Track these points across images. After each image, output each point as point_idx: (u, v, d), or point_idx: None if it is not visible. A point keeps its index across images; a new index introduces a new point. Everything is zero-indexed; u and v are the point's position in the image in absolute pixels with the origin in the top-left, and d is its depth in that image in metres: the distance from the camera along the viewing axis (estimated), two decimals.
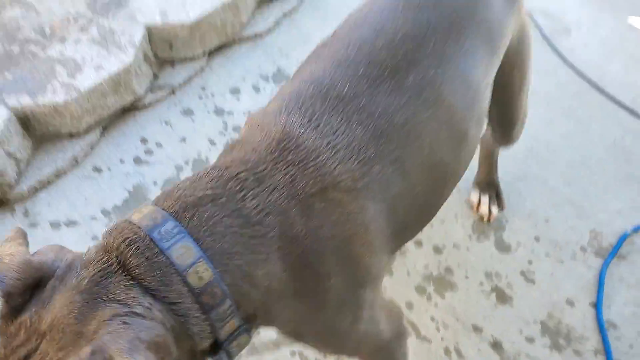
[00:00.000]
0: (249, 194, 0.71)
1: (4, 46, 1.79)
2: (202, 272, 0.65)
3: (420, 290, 1.50)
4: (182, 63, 2.01)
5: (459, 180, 1.00)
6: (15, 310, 0.61)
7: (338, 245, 0.76)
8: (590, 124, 1.94)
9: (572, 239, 1.63)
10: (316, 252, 0.74)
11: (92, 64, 1.74)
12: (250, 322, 0.74)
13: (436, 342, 1.41)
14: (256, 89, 1.99)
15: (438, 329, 1.43)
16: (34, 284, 0.62)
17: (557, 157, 1.83)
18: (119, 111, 1.85)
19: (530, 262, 1.57)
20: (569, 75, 2.10)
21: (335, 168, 0.76)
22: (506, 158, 1.79)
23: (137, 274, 0.63)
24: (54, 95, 1.65)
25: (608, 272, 1.56)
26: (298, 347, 1.37)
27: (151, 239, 0.65)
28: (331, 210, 0.75)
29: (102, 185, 1.70)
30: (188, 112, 1.91)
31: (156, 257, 0.64)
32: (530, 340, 1.43)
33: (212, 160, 1.77)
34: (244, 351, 1.33)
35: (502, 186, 1.71)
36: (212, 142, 1.83)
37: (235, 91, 1.98)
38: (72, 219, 1.61)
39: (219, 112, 1.92)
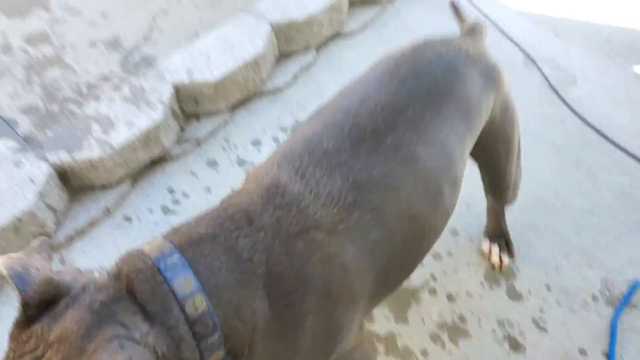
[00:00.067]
0: (241, 234, 0.81)
1: (46, 105, 1.94)
2: (198, 303, 0.73)
3: (435, 338, 1.56)
4: (207, 117, 2.14)
5: (438, 235, 1.07)
6: (30, 320, 0.68)
7: (318, 285, 0.83)
8: (598, 172, 2.01)
9: (583, 287, 1.68)
10: (298, 291, 0.82)
11: (125, 120, 1.88)
12: (234, 356, 0.81)
13: None
14: (276, 140, 2.11)
15: None
16: (50, 299, 0.70)
17: (567, 205, 1.89)
18: (148, 163, 1.97)
19: (542, 311, 1.62)
20: (577, 124, 2.18)
21: (317, 212, 0.85)
22: (516, 207, 1.86)
23: (142, 300, 0.71)
24: (89, 151, 1.78)
25: (620, 321, 1.60)
26: None
27: (157, 269, 0.74)
28: (312, 250, 0.83)
29: (132, 234, 1.81)
30: (212, 163, 2.03)
31: (160, 285, 0.73)
32: None
33: None
34: None
35: (513, 235, 1.77)
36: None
37: (257, 142, 2.10)
38: (105, 267, 1.71)
39: (241, 162, 2.03)
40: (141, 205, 1.90)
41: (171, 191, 1.94)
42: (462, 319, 1.60)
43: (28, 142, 1.83)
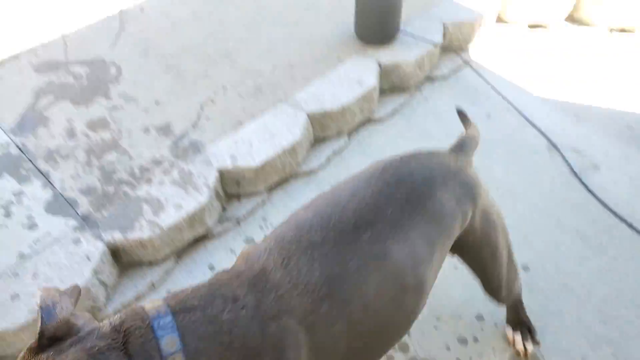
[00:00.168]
0: (227, 309, 0.94)
1: (103, 187, 2.15)
2: None
3: None
4: (246, 197, 2.31)
5: (401, 331, 1.16)
6: (40, 348, 0.83)
7: None
8: (622, 260, 2.05)
9: None
10: None
11: (173, 203, 2.06)
12: None
13: None
14: None
15: None
16: (61, 336, 0.84)
17: (592, 294, 1.94)
18: (192, 241, 2.13)
19: None
20: (600, 211, 2.25)
21: (292, 300, 0.98)
22: (540, 293, 1.92)
23: (133, 352, 0.85)
24: (140, 232, 1.95)
25: None
26: None
27: (151, 327, 0.88)
28: (283, 335, 0.95)
29: None
30: (250, 241, 2.17)
31: (150, 341, 0.87)
32: None
33: None
34: None
35: (537, 322, 1.82)
36: None
37: None
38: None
39: None
40: (184, 280, 2.03)
41: (211, 268, 2.07)
42: None
43: (86, 221, 2.02)
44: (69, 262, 1.85)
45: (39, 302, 0.87)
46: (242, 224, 2.24)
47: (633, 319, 1.86)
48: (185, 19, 3.13)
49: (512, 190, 2.35)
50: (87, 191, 2.15)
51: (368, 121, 2.70)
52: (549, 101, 2.84)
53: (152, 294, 1.98)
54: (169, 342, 0.88)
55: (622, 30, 3.31)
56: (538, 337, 1.76)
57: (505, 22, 3.38)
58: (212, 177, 2.15)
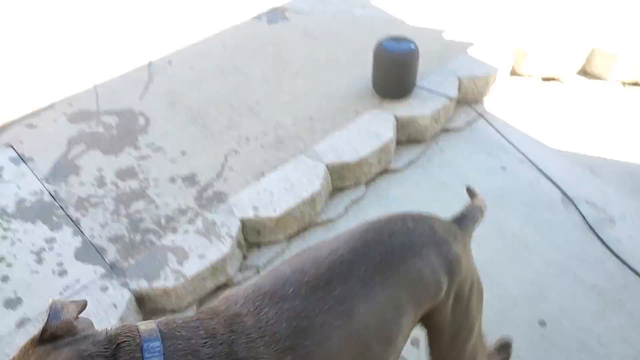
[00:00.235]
0: (207, 343, 1.01)
1: (130, 235, 2.24)
2: None
3: None
4: (267, 246, 2.38)
5: None
6: (40, 341, 0.91)
7: None
8: None
9: None
10: None
11: (197, 252, 2.13)
12: None
13: None
14: None
15: None
16: (61, 335, 0.92)
17: (610, 351, 1.94)
18: (214, 289, 2.19)
19: None
20: (617, 266, 2.27)
21: (259, 347, 1.04)
22: (559, 350, 1.92)
23: None
24: (165, 281, 2.02)
25: None
26: None
27: (141, 347, 0.94)
28: None
29: None
30: None
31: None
32: None
33: None
34: None
35: None
36: None
37: None
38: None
39: None
40: None
41: None
42: None
43: (113, 269, 2.10)
44: (95, 309, 1.92)
45: (49, 302, 0.98)
46: (261, 272, 2.30)
47: None
48: (211, 72, 3.30)
49: (527, 243, 2.38)
50: (115, 239, 2.24)
51: (385, 171, 2.78)
52: (563, 154, 2.89)
53: None
54: None
55: (635, 84, 3.38)
56: None
57: (520, 75, 3.48)
58: (235, 227, 2.23)
